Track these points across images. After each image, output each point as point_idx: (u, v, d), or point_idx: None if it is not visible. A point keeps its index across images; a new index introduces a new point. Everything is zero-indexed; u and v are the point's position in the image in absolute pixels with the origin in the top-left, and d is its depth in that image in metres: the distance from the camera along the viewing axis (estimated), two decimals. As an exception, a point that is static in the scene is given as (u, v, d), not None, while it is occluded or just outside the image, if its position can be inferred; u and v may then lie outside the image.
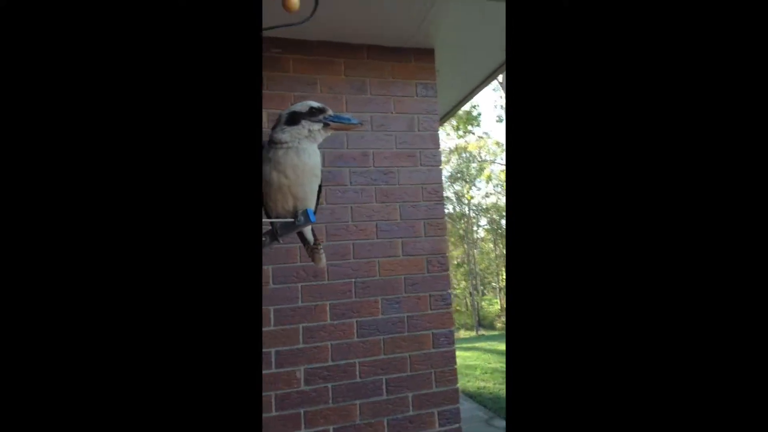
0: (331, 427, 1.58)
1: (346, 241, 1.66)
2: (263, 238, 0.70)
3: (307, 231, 0.83)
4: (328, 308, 1.62)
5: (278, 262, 1.58)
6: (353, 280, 1.66)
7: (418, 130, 1.80)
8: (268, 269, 1.57)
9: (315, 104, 0.75)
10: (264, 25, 1.24)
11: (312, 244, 0.86)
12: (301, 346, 1.58)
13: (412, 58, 1.81)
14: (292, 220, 0.71)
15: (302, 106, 0.74)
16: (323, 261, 0.88)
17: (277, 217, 0.73)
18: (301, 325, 1.59)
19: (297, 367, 1.57)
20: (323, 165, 1.67)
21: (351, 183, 1.69)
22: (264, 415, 1.51)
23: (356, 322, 1.64)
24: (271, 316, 1.56)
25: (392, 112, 1.78)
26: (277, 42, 1.66)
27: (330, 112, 0.76)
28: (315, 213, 0.76)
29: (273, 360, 1.54)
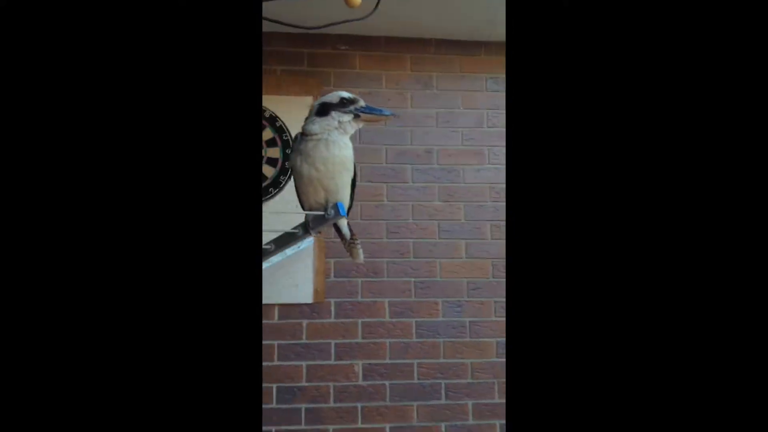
0: (387, 426, 1.57)
1: (406, 240, 1.64)
2: (296, 231, 0.71)
3: (343, 225, 0.83)
4: (386, 306, 1.61)
5: (339, 256, 1.60)
6: (413, 279, 1.63)
7: (487, 126, 1.71)
8: (329, 262, 1.60)
9: (346, 95, 0.74)
10: (326, 22, 1.27)
11: (349, 238, 0.85)
12: (359, 340, 1.59)
13: (482, 52, 1.73)
14: (323, 213, 0.70)
15: (333, 97, 0.74)
16: (360, 256, 0.87)
17: (309, 210, 0.73)
18: (360, 320, 1.60)
19: (355, 360, 1.58)
20: (385, 161, 1.68)
21: (413, 181, 1.67)
22: (322, 405, 1.55)
23: (415, 322, 1.62)
24: (332, 308, 1.59)
25: (460, 108, 1.72)
26: (345, 39, 1.69)
27: (361, 103, 0.74)
28: (350, 207, 0.75)
29: (332, 352, 1.58)
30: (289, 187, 1.58)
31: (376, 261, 1.62)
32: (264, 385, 1.53)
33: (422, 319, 1.62)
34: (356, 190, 1.61)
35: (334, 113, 0.72)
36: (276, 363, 1.54)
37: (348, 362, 1.57)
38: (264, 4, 0.96)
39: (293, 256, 1.52)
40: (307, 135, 0.73)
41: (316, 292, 1.57)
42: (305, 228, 0.72)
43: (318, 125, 0.72)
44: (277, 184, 1.57)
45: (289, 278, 1.56)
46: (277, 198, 1.57)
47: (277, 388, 1.53)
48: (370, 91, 1.69)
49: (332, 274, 1.60)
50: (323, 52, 1.69)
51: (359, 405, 1.56)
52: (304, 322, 1.57)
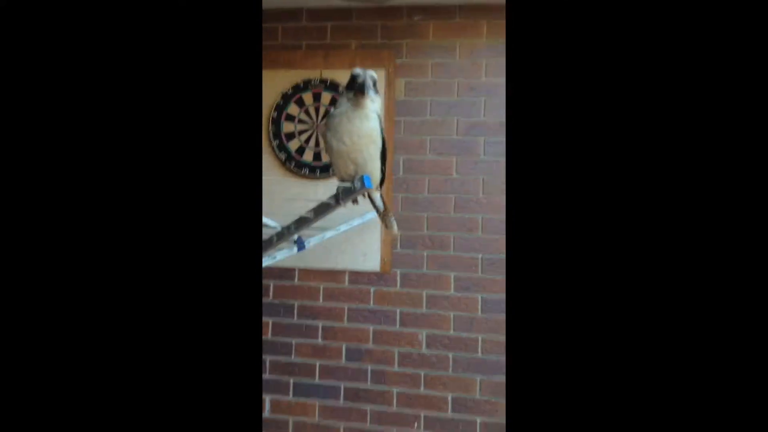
0: (449, 395, 1.61)
1: (474, 215, 1.61)
2: (330, 201, 0.76)
3: (376, 197, 0.86)
4: (452, 279, 1.62)
5: (406, 229, 1.64)
6: (480, 255, 1.61)
7: (569, 94, 1.58)
8: (396, 234, 1.65)
9: (355, 72, 0.76)
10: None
11: (381, 210, 0.88)
12: (424, 311, 1.63)
13: (568, 10, 1.58)
14: (350, 185, 0.74)
15: (348, 77, 0.76)
16: (395, 228, 0.89)
17: (341, 181, 0.77)
18: (424, 291, 1.64)
19: (419, 329, 1.63)
20: (456, 134, 1.64)
21: (484, 153, 1.62)
22: (387, 368, 1.64)
23: (481, 298, 1.60)
24: (398, 278, 1.65)
25: (539, 75, 1.60)
26: (420, 9, 1.67)
27: (360, 79, 0.76)
28: (382, 180, 0.77)
29: (398, 319, 1.64)
30: (360, 160, 1.65)
31: (442, 235, 1.63)
32: (334, 343, 1.66)
33: (489, 296, 1.60)
34: (424, 165, 1.62)
35: (344, 92, 0.76)
36: (345, 324, 1.66)
37: (412, 330, 1.63)
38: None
39: (361, 226, 1.60)
40: (333, 112, 0.77)
41: (383, 261, 1.64)
42: (336, 199, 0.76)
43: (338, 102, 0.76)
44: (348, 157, 1.65)
45: (357, 247, 1.64)
46: (349, 170, 1.65)
47: (346, 347, 1.65)
48: (443, 61, 1.66)
49: (398, 245, 1.65)
50: (397, 24, 1.68)
51: (422, 372, 1.62)
52: (372, 289, 1.65)
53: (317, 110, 1.66)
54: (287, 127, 1.68)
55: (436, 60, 1.66)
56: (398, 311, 1.64)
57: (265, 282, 1.70)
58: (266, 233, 0.89)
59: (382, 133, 0.79)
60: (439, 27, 1.66)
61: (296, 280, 1.69)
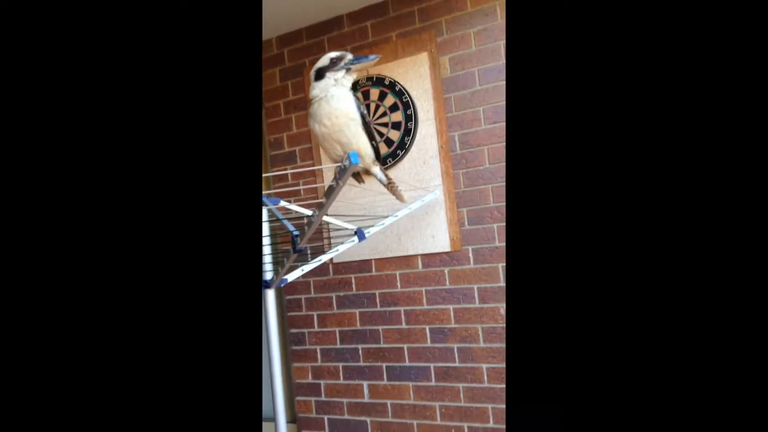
0: (544, 370, 1.54)
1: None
2: (332, 183, 0.81)
3: (376, 173, 0.88)
4: (526, 249, 1.54)
5: (472, 205, 1.62)
6: (552, 218, 1.50)
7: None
8: (462, 211, 1.64)
9: (334, 54, 0.79)
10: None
11: (386, 183, 0.90)
12: (501, 284, 1.59)
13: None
14: (340, 164, 0.78)
15: (324, 60, 0.79)
16: (404, 196, 0.91)
17: (334, 163, 0.82)
18: (500, 265, 1.59)
19: (499, 304, 1.59)
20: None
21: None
22: (473, 345, 1.63)
23: (561, 264, 1.50)
24: (470, 255, 1.63)
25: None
26: (452, -18, 1.64)
27: (349, 56, 0.78)
28: (377, 152, 0.80)
29: (476, 296, 1.63)
30: (415, 146, 1.67)
31: (508, 204, 1.57)
32: (417, 326, 1.71)
33: (570, 262, 1.49)
34: (480, 136, 1.58)
35: (328, 74, 0.79)
36: (426, 307, 1.70)
37: (493, 305, 1.60)
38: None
39: (425, 208, 1.62)
40: (312, 99, 0.82)
41: (452, 240, 1.64)
42: (336, 180, 0.81)
43: (318, 89, 0.81)
44: (402, 146, 1.69)
45: (425, 231, 1.67)
46: (405, 158, 1.68)
47: (430, 329, 1.69)
48: (485, 26, 1.60)
49: (466, 223, 1.63)
50: (433, 4, 1.68)
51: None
52: (446, 270, 1.67)
53: (368, 107, 1.74)
54: (344, 127, 1.78)
55: (477, 28, 1.61)
56: (475, 288, 1.63)
57: (346, 276, 1.83)
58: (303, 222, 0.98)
59: (360, 109, 0.82)
60: (475, -6, 1.61)
61: (374, 270, 1.78)
